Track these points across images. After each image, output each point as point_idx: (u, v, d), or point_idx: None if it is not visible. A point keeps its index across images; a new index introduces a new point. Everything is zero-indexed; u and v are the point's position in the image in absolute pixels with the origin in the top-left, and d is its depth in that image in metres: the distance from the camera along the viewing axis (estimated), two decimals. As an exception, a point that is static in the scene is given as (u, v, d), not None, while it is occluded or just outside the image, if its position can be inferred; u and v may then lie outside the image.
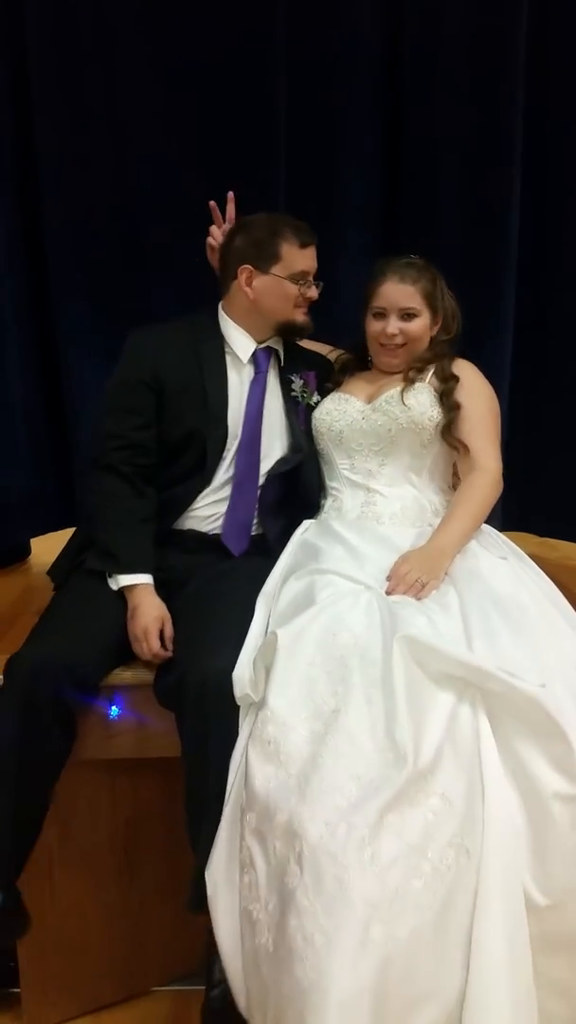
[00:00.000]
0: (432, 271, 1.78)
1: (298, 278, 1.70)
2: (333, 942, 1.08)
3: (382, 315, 1.75)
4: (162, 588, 1.58)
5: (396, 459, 1.73)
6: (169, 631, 1.52)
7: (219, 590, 1.58)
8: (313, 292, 1.74)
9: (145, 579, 1.57)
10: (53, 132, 2.04)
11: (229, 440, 1.71)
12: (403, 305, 1.74)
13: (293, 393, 1.78)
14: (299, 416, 1.79)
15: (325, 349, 1.96)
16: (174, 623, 1.53)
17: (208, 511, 1.72)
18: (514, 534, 2.10)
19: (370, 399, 1.77)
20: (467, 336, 1.88)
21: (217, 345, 1.74)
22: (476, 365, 1.80)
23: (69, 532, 2.24)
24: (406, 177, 2.21)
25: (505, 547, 1.69)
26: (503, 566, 1.59)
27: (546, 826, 1.19)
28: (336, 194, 2.21)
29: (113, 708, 1.49)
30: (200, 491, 1.70)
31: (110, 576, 1.58)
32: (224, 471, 1.71)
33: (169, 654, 1.49)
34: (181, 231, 2.15)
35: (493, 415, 1.77)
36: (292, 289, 1.70)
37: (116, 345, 2.17)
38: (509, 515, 2.23)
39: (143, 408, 1.66)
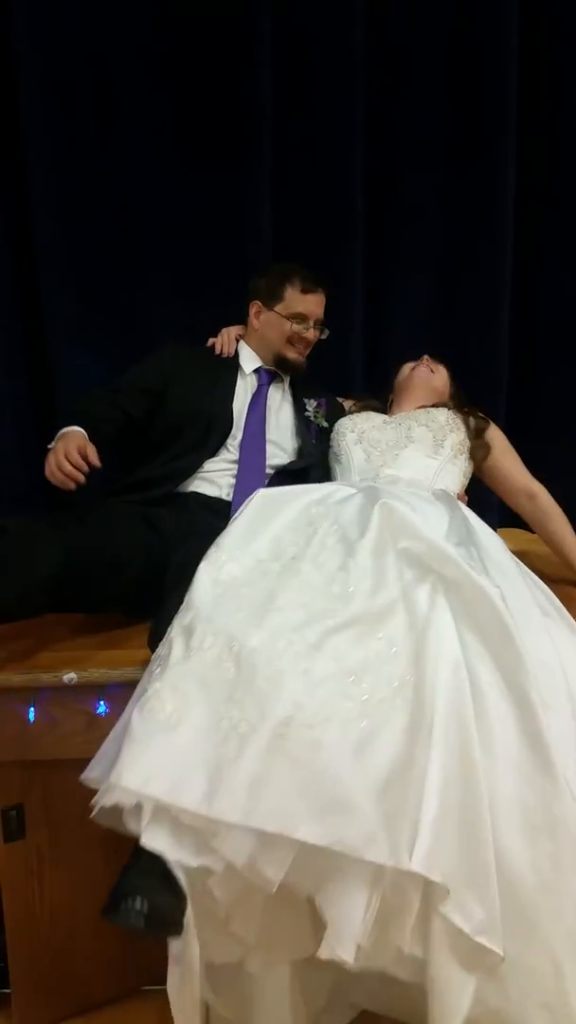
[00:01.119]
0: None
1: (295, 318, 1.96)
2: (257, 730, 1.11)
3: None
4: (161, 543, 1.64)
5: (410, 457, 1.84)
6: (92, 456, 1.60)
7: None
8: (309, 334, 1.98)
9: (81, 429, 1.70)
10: (45, 135, 2.04)
11: (233, 429, 1.90)
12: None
13: (307, 413, 2.01)
14: (310, 432, 2.00)
15: (348, 403, 2.17)
16: (168, 575, 1.55)
17: (212, 475, 1.85)
18: (506, 530, 2.10)
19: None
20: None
21: (232, 361, 2.01)
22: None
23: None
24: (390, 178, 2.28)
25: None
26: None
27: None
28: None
29: (101, 705, 1.48)
30: (205, 460, 1.86)
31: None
32: (228, 455, 1.88)
33: (76, 472, 1.57)
34: (171, 228, 2.16)
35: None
36: (287, 327, 1.95)
37: (105, 341, 2.19)
38: (503, 511, 2.23)
39: (147, 384, 1.90)
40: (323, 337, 2.04)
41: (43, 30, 2.00)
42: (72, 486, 1.58)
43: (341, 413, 2.11)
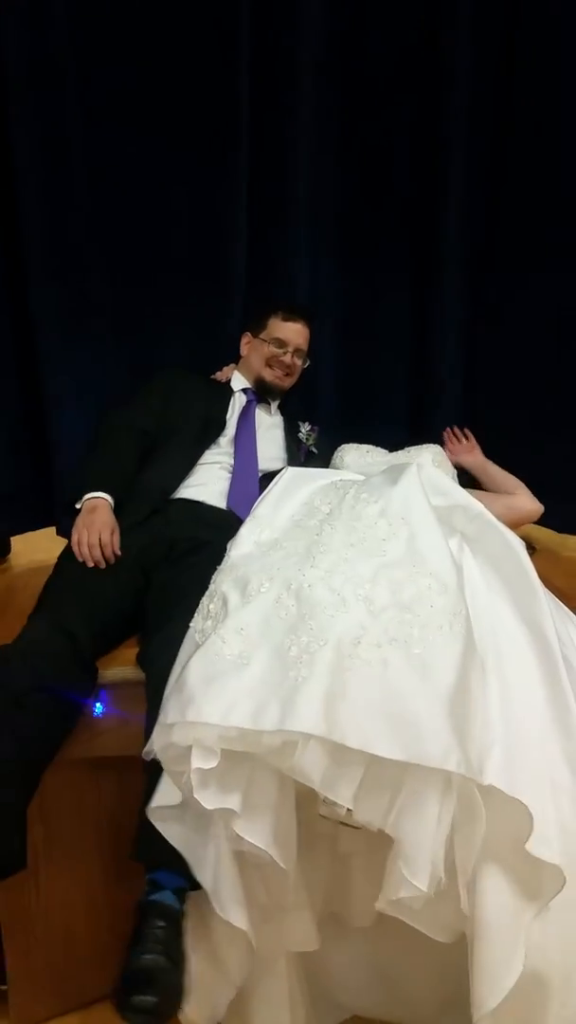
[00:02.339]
0: None
1: (274, 342, 2.15)
2: (326, 649, 1.13)
3: None
4: (152, 548, 1.72)
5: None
6: (116, 543, 1.68)
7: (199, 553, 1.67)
8: (287, 358, 2.16)
9: (107, 496, 1.78)
10: (28, 135, 2.03)
11: (226, 430, 2.03)
12: None
13: (299, 434, 2.18)
14: (300, 452, 2.15)
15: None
16: (157, 589, 1.63)
17: (205, 478, 1.92)
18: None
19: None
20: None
21: (226, 384, 2.21)
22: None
23: (50, 531, 2.26)
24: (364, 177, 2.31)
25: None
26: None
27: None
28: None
29: (97, 706, 1.50)
30: (200, 454, 1.96)
31: (76, 502, 1.78)
32: (221, 453, 1.98)
33: (106, 557, 1.65)
34: (160, 231, 2.16)
35: None
36: (267, 349, 2.15)
37: (95, 344, 2.19)
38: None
39: (155, 401, 2.03)
40: (305, 366, 2.22)
41: (28, 24, 1.99)
42: (98, 565, 1.66)
43: (333, 448, 2.22)
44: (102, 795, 1.61)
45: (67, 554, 1.74)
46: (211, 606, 1.32)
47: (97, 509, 1.75)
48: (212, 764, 1.11)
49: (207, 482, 1.91)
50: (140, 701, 1.45)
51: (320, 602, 1.21)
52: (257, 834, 1.15)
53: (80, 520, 1.73)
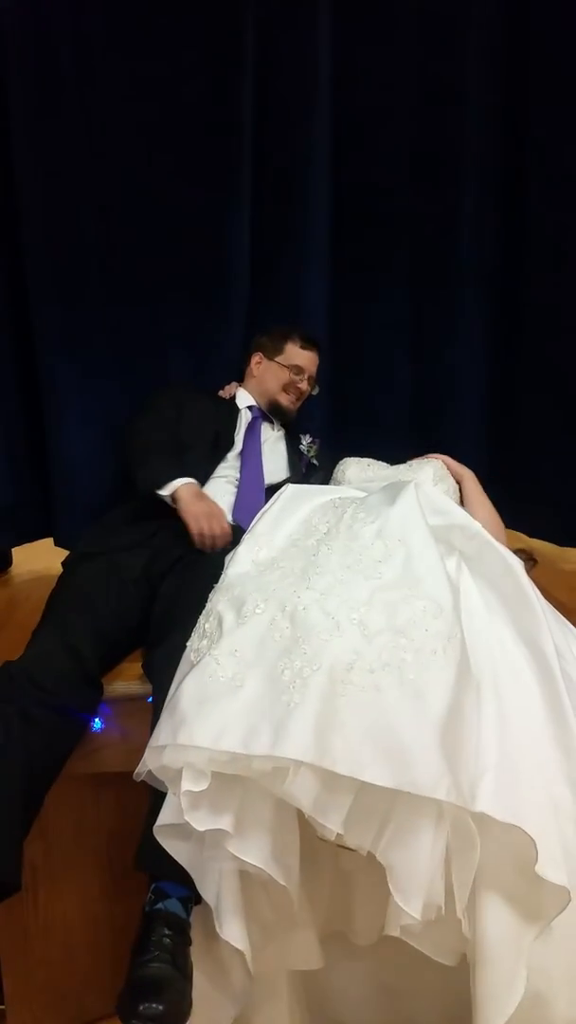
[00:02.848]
0: None
1: (293, 369, 2.20)
2: (319, 674, 1.13)
3: None
4: (159, 560, 1.72)
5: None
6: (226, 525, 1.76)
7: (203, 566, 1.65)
8: (303, 385, 2.22)
9: (191, 480, 1.82)
10: (30, 150, 2.04)
11: (235, 445, 2.07)
12: None
13: (301, 446, 2.22)
14: (301, 463, 2.19)
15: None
16: (162, 601, 1.63)
17: (210, 494, 1.88)
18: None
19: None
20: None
21: (231, 401, 2.23)
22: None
23: (48, 541, 2.26)
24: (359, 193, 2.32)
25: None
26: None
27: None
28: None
29: (96, 721, 1.49)
30: (212, 470, 1.98)
31: (160, 489, 1.79)
32: (229, 469, 2.00)
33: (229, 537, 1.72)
34: (159, 245, 2.17)
35: None
36: (285, 375, 2.19)
37: (94, 356, 2.19)
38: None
39: (167, 409, 2.05)
40: (314, 393, 2.28)
41: (32, 36, 2.00)
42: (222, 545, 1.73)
43: (334, 461, 2.20)
44: (102, 811, 1.60)
45: (70, 567, 1.73)
46: (207, 625, 1.31)
47: (199, 496, 1.79)
48: (203, 786, 1.11)
49: (214, 495, 1.90)
50: (141, 716, 1.45)
51: (315, 626, 1.20)
52: (253, 853, 1.14)
53: (190, 509, 1.75)
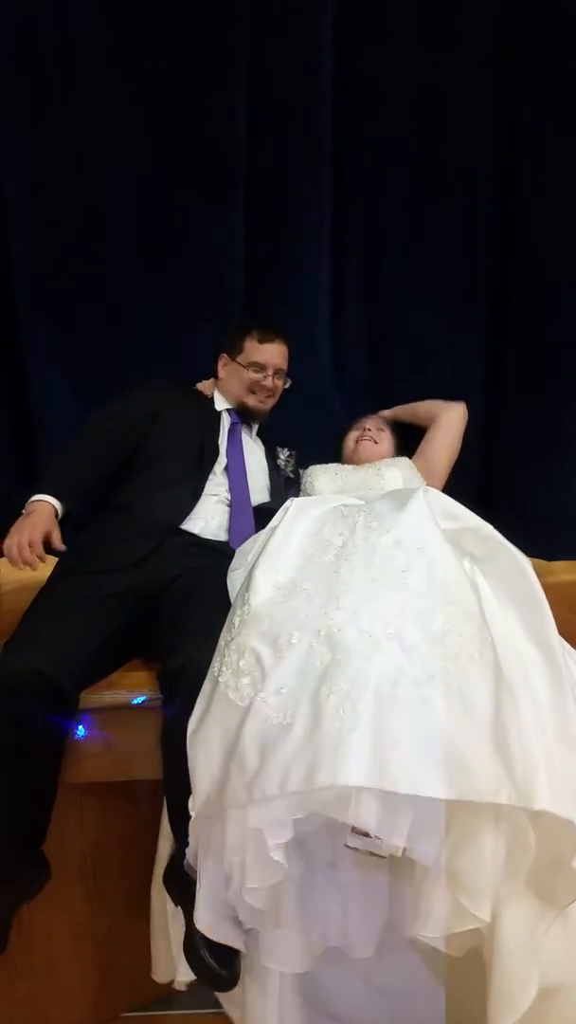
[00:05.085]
0: None
1: (253, 367, 2.03)
2: (367, 694, 1.14)
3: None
4: (153, 581, 1.65)
5: (388, 487, 1.90)
6: (56, 541, 1.61)
7: (210, 582, 1.63)
8: (268, 383, 2.05)
9: (54, 501, 1.66)
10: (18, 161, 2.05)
11: (220, 456, 1.94)
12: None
13: (279, 461, 2.13)
14: (280, 479, 2.09)
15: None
16: (169, 615, 1.57)
17: (202, 515, 1.83)
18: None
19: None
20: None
21: (210, 400, 2.11)
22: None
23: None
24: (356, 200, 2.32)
25: None
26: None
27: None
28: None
29: (80, 729, 1.48)
30: (201, 488, 1.86)
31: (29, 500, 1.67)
32: (216, 482, 1.89)
33: (34, 561, 1.57)
34: (144, 251, 2.17)
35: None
36: (246, 375, 2.04)
37: (81, 358, 2.19)
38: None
39: (140, 411, 1.91)
40: (287, 387, 2.12)
41: (16, 41, 2.01)
42: (30, 570, 1.60)
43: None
44: (85, 822, 1.59)
45: (50, 581, 1.71)
46: (242, 663, 1.30)
47: (34, 513, 1.64)
48: (288, 836, 1.14)
49: (206, 516, 1.83)
50: (124, 726, 1.45)
51: (353, 646, 1.21)
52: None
53: (20, 522, 1.62)
